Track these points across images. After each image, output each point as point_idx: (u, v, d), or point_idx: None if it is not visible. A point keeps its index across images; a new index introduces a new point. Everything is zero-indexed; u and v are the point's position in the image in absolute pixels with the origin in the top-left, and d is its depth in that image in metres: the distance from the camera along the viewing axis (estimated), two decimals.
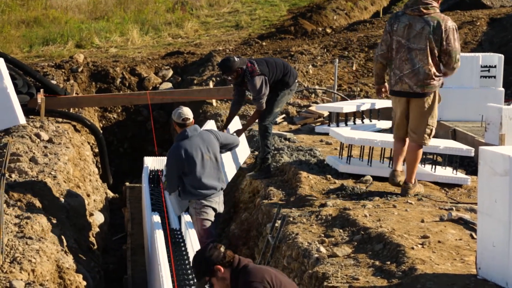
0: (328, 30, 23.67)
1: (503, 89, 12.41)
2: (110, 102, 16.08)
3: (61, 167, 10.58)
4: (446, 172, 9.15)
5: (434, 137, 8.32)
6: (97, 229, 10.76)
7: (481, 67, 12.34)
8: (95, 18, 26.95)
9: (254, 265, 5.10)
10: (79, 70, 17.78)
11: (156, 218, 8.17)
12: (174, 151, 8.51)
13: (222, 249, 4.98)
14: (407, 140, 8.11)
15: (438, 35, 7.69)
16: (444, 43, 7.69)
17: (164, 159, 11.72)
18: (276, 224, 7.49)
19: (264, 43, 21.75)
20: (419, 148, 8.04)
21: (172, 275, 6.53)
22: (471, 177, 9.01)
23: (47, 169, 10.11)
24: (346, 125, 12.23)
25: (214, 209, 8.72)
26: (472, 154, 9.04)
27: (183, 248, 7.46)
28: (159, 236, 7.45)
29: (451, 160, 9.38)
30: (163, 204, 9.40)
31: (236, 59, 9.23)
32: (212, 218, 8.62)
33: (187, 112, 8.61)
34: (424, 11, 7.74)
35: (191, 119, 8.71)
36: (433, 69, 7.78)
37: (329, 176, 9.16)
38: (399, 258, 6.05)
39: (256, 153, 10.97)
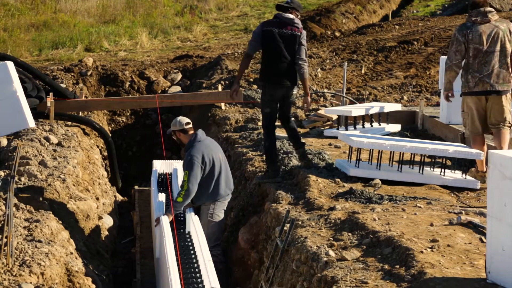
0: (337, 34, 23.67)
1: None
2: (119, 105, 16.12)
3: (70, 170, 10.60)
4: (455, 176, 9.13)
5: (442, 140, 8.57)
6: (106, 233, 10.78)
7: None
8: (104, 22, 27.04)
9: None
10: (88, 73, 17.83)
11: (165, 218, 8.18)
12: (195, 155, 8.64)
13: None
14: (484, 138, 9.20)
15: (509, 37, 8.90)
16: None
17: (172, 162, 11.76)
18: (285, 228, 7.48)
19: None
20: (505, 132, 9.03)
21: (180, 278, 6.53)
22: None
23: (56, 173, 10.14)
24: (355, 128, 12.21)
25: (225, 212, 8.82)
26: (482, 158, 9.02)
27: (192, 252, 7.46)
28: (168, 240, 7.46)
29: (460, 163, 9.36)
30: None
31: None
32: (224, 220, 8.74)
33: (185, 117, 8.74)
34: (491, 17, 8.92)
35: (190, 124, 8.86)
36: (510, 69, 8.93)
37: (338, 179, 9.15)
38: (408, 262, 6.03)
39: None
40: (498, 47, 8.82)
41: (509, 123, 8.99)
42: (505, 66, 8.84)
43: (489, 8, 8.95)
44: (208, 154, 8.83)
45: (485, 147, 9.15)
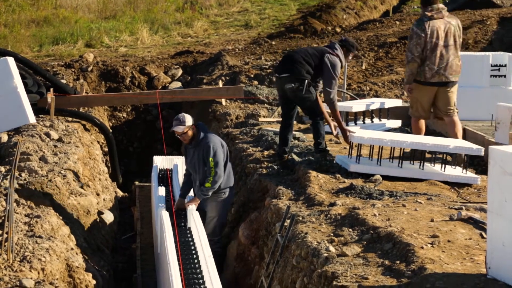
0: (338, 29, 23.66)
1: None
2: (119, 101, 16.12)
3: (71, 166, 10.60)
4: (455, 171, 9.11)
5: (443, 136, 8.67)
6: (107, 228, 10.79)
7: (491, 66, 12.30)
8: (105, 18, 27.02)
9: None
10: (89, 69, 17.83)
11: (166, 214, 8.19)
12: (215, 141, 9.08)
13: None
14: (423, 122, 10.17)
15: (459, 32, 9.78)
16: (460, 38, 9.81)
17: (173, 158, 11.78)
18: (286, 223, 7.49)
19: (273, 43, 21.75)
20: (457, 119, 9.97)
21: (180, 274, 6.53)
22: (481, 176, 8.98)
23: (57, 168, 10.14)
24: (356, 124, 12.20)
25: (221, 207, 9.24)
26: (482, 153, 9.02)
27: (192, 247, 7.46)
28: (169, 236, 7.46)
29: (461, 159, 9.35)
30: (172, 202, 9.43)
31: None
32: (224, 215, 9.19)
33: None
34: (444, 14, 9.73)
35: None
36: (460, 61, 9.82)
37: (338, 175, 9.14)
38: (409, 257, 6.03)
39: (264, 152, 10.99)
40: (451, 41, 9.66)
41: (456, 108, 9.95)
42: (457, 59, 9.72)
43: (441, 5, 9.82)
44: (221, 141, 9.32)
45: (423, 131, 10.20)
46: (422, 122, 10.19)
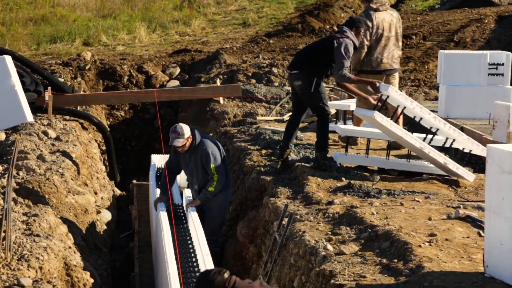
0: (336, 28, 23.63)
1: (511, 87, 12.36)
2: (117, 100, 16.11)
3: (69, 164, 10.60)
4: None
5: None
6: (105, 227, 10.79)
7: (489, 64, 12.29)
8: (102, 16, 26.98)
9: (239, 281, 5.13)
10: (87, 68, 17.82)
11: (164, 214, 8.19)
12: (214, 147, 9.11)
13: (226, 275, 5.02)
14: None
15: (400, 23, 10.45)
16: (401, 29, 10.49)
17: None
18: (283, 222, 7.49)
19: (271, 41, 21.75)
20: None
21: (178, 273, 6.53)
22: (479, 175, 8.99)
23: (55, 167, 10.13)
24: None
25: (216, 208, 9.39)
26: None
27: (190, 246, 7.47)
28: (166, 232, 7.46)
29: (459, 158, 9.39)
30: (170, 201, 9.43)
31: None
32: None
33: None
34: (387, 7, 10.44)
35: None
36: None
37: (336, 173, 9.15)
38: (406, 256, 6.04)
39: (264, 151, 10.99)
40: (393, 32, 10.34)
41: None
42: (398, 49, 10.44)
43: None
44: (216, 142, 9.36)
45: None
46: None
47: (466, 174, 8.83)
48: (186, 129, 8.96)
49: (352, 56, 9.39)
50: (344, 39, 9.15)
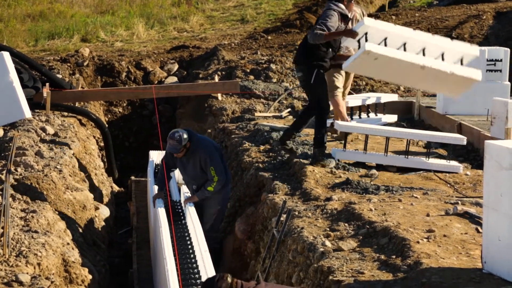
0: None
1: (509, 83, 12.36)
2: (115, 96, 16.10)
3: (67, 161, 10.59)
4: (439, 161, 9.26)
5: (439, 130, 8.69)
6: (103, 223, 10.78)
7: (487, 61, 12.29)
8: (100, 12, 26.94)
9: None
10: (85, 64, 17.80)
11: (162, 211, 8.19)
12: (211, 147, 9.19)
13: (229, 279, 5.03)
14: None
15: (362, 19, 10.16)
16: None
17: None
18: (282, 218, 7.49)
19: (269, 37, 21.73)
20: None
21: (177, 269, 6.53)
22: (477, 171, 9.00)
23: (53, 163, 10.13)
24: (352, 119, 12.21)
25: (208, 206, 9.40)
26: (464, 143, 9.29)
27: (188, 242, 7.47)
28: (165, 229, 7.46)
29: (456, 154, 9.42)
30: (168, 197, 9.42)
31: None
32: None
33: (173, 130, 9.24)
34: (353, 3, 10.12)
35: None
36: None
37: (334, 170, 9.16)
38: (405, 252, 6.05)
39: (262, 147, 10.99)
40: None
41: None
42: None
43: None
44: (212, 142, 9.51)
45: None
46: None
47: (474, 73, 8.72)
48: (184, 136, 8.89)
49: (341, 26, 9.27)
50: (330, 9, 9.17)
